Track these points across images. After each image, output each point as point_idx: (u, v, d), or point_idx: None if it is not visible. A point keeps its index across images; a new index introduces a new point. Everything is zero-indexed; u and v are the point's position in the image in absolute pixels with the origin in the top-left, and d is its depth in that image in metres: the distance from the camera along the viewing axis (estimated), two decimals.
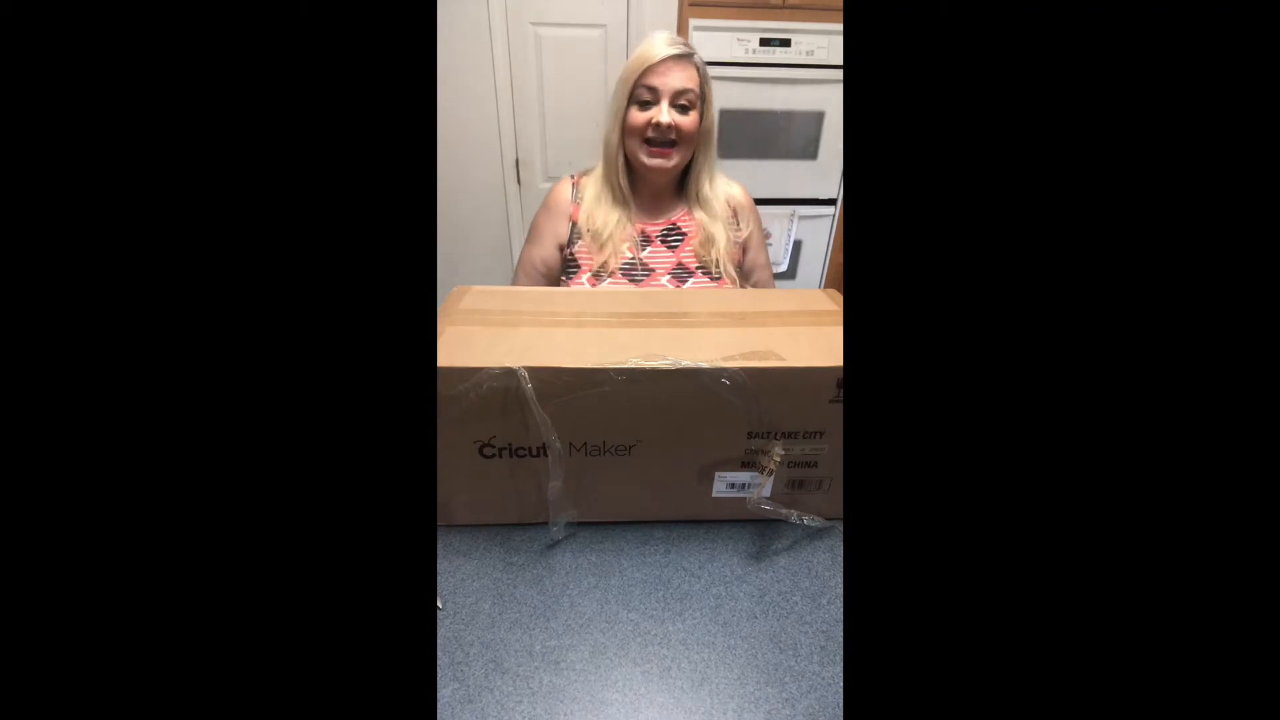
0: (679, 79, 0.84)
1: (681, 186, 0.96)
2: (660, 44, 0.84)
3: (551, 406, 0.51)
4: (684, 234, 0.94)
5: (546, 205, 0.97)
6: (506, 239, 2.00)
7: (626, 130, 0.88)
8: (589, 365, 0.50)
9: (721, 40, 1.69)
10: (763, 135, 1.81)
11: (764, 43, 1.70)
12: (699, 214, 0.94)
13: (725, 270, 0.93)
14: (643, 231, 0.94)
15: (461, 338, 0.56)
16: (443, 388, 0.50)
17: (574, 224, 0.93)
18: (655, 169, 0.89)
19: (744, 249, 0.99)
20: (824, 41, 1.71)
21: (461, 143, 1.85)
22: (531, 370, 0.50)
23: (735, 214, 0.97)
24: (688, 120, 0.87)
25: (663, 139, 0.87)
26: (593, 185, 0.94)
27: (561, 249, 0.95)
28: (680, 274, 0.92)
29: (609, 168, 0.92)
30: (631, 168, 0.92)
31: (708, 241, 0.93)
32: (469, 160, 1.88)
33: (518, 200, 1.96)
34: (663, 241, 0.94)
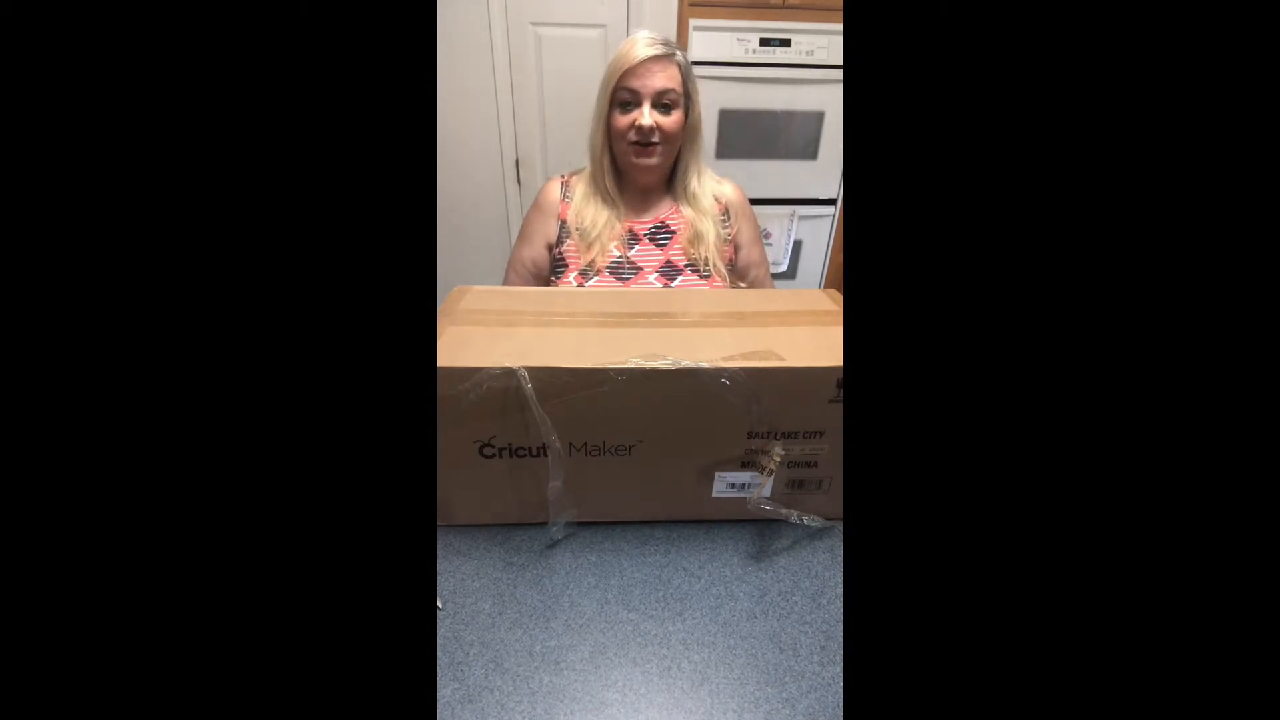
0: (659, 79, 0.83)
1: (669, 183, 0.95)
2: (640, 45, 0.83)
3: (551, 406, 0.51)
4: (672, 232, 0.94)
5: (537, 204, 0.97)
6: (506, 239, 2.00)
7: (611, 133, 0.88)
8: (589, 365, 0.50)
9: (721, 40, 1.69)
10: (763, 135, 1.81)
11: (764, 43, 1.70)
12: (686, 210, 0.94)
13: (715, 267, 0.92)
14: (630, 230, 0.93)
15: (461, 338, 0.56)
16: (443, 388, 0.50)
17: (562, 223, 0.93)
18: (640, 168, 0.89)
19: (735, 247, 0.98)
20: (824, 41, 1.71)
21: (461, 143, 1.85)
22: (531, 370, 0.50)
23: (726, 211, 0.96)
24: (670, 120, 0.86)
25: (645, 140, 0.86)
26: (582, 185, 0.94)
27: (550, 248, 0.95)
28: (668, 271, 0.92)
29: (595, 169, 0.92)
30: (618, 168, 0.92)
31: (696, 238, 0.92)
32: (469, 160, 1.88)
33: (518, 200, 1.96)
34: (651, 240, 0.93)
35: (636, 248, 0.92)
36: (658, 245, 0.93)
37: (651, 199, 0.96)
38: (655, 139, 0.86)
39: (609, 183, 0.92)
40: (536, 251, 0.95)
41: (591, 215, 0.91)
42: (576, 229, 0.92)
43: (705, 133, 0.96)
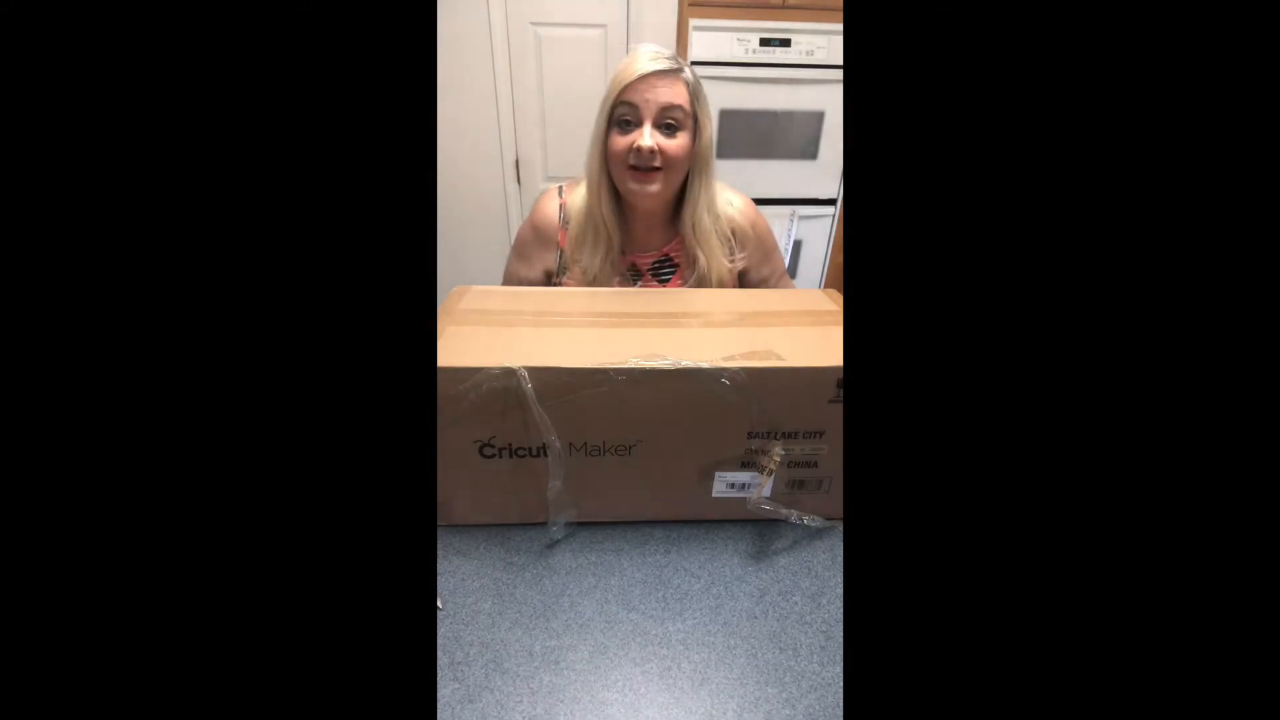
0: (664, 94, 0.73)
1: (676, 214, 0.85)
2: (643, 58, 0.73)
3: (551, 406, 0.51)
4: (676, 264, 0.87)
5: (534, 223, 0.89)
6: (506, 239, 2.01)
7: (609, 156, 0.77)
8: (589, 365, 0.50)
9: (721, 40, 1.69)
10: (763, 135, 1.82)
11: (764, 43, 1.70)
12: (693, 248, 0.84)
13: None
14: (633, 264, 0.86)
15: (461, 338, 0.56)
16: (443, 388, 0.50)
17: (561, 252, 0.87)
18: (639, 195, 0.78)
19: (738, 277, 0.90)
20: (824, 41, 1.72)
21: (461, 143, 1.85)
22: (531, 370, 0.50)
23: (733, 235, 0.87)
24: (674, 144, 0.75)
25: (645, 164, 0.75)
26: (577, 214, 0.85)
27: (549, 275, 0.89)
28: None
29: (592, 198, 0.81)
30: (616, 196, 0.82)
31: (699, 282, 0.85)
32: (469, 160, 1.88)
33: (518, 200, 1.97)
34: (654, 275, 0.87)
35: (639, 284, 0.87)
36: (660, 281, 0.87)
37: (654, 230, 0.86)
38: (656, 163, 0.75)
39: (606, 212, 0.81)
40: (534, 274, 0.89)
41: (587, 257, 0.83)
42: (575, 263, 0.85)
43: None
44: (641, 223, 0.85)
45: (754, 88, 1.74)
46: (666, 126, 0.75)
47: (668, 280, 0.87)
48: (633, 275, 0.87)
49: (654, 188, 0.77)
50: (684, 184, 0.82)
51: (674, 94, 0.74)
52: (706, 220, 0.82)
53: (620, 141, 0.76)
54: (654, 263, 0.87)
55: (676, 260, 0.87)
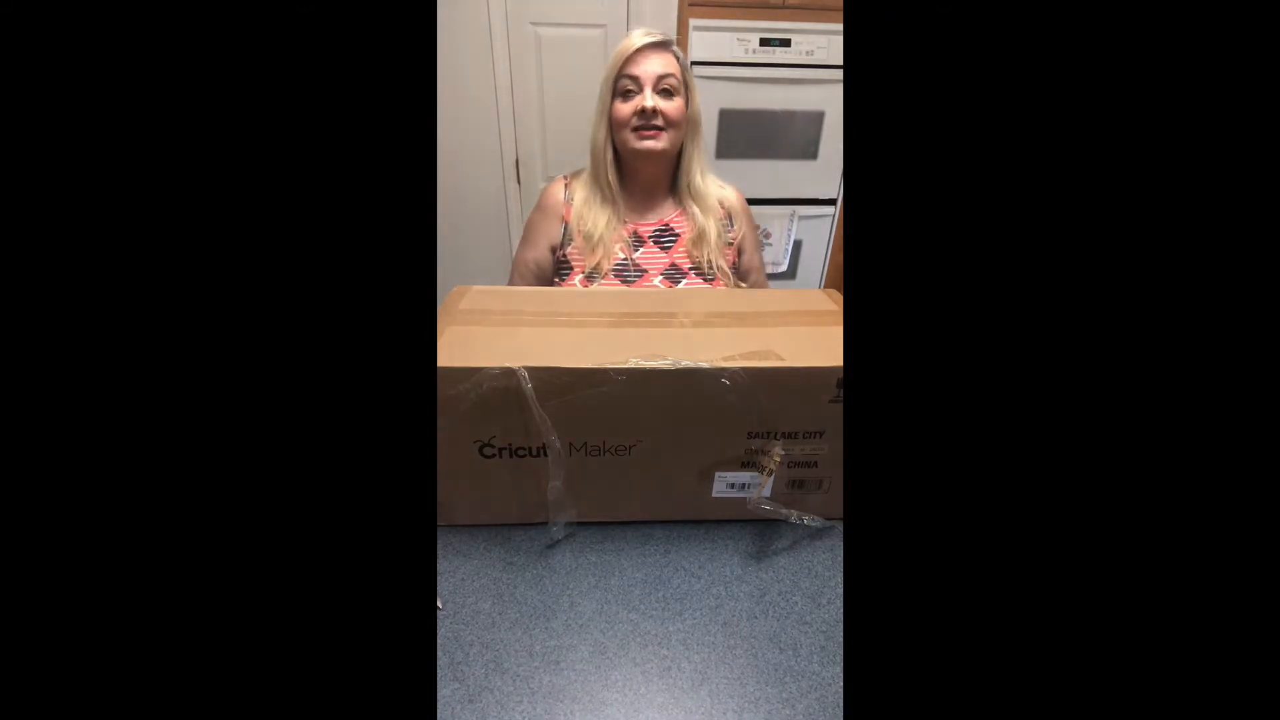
0: (658, 64, 0.86)
1: (673, 182, 0.96)
2: (636, 35, 0.87)
3: (551, 406, 0.51)
4: (677, 235, 0.94)
5: (540, 206, 0.97)
6: (506, 239, 2.00)
7: (614, 123, 0.89)
8: (589, 365, 0.50)
9: (721, 40, 1.69)
10: (763, 135, 1.81)
11: (764, 43, 1.70)
12: (691, 206, 0.94)
13: (719, 269, 0.93)
14: (635, 232, 0.93)
15: (461, 338, 0.56)
16: (443, 388, 0.50)
17: (566, 225, 0.94)
18: (647, 151, 0.89)
19: (739, 250, 0.99)
20: (824, 41, 1.71)
21: (461, 143, 1.85)
22: (531, 370, 0.50)
23: (729, 216, 0.97)
24: (672, 105, 0.87)
25: (649, 124, 0.87)
26: (582, 188, 0.95)
27: (554, 250, 0.95)
28: (673, 275, 0.92)
29: (597, 166, 0.92)
30: (621, 163, 0.93)
31: (699, 239, 0.93)
32: (469, 160, 1.88)
33: (518, 200, 1.96)
34: (655, 242, 0.94)
35: (641, 250, 0.93)
36: (662, 248, 0.93)
37: (655, 198, 0.96)
38: (658, 121, 0.87)
39: (610, 177, 0.92)
40: (540, 253, 0.95)
41: (593, 218, 0.91)
42: (580, 231, 0.92)
43: (705, 133, 0.97)
44: (642, 190, 0.95)
45: (754, 88, 1.74)
46: (663, 92, 0.88)
47: (669, 248, 0.93)
48: (635, 242, 0.93)
49: (659, 144, 0.89)
50: (680, 151, 0.93)
51: (666, 64, 0.87)
52: (699, 180, 0.94)
53: (624, 108, 0.88)
54: (655, 231, 0.94)
55: (677, 230, 0.95)
